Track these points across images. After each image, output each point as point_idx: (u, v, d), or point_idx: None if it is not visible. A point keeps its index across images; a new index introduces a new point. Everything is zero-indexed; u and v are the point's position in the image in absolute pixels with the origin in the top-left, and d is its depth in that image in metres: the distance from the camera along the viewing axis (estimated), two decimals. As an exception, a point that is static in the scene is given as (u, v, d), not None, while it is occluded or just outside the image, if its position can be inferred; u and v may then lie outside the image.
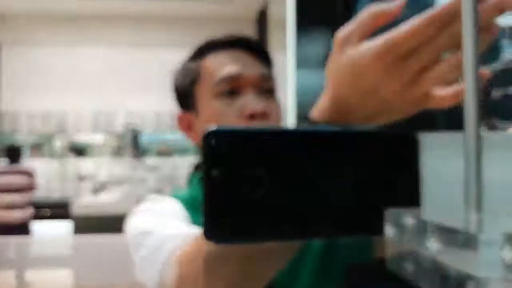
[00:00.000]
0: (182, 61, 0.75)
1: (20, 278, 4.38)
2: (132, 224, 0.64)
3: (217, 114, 0.65)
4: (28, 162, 6.10)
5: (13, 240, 4.08)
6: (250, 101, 0.64)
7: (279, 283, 0.61)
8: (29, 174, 4.51)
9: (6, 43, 6.36)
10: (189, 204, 0.68)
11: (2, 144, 5.42)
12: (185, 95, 0.73)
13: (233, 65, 0.66)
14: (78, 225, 4.05)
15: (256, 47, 0.72)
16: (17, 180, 4.36)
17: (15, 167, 4.44)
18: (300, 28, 1.64)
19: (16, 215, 4.30)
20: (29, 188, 4.48)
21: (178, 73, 0.75)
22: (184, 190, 0.76)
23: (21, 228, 4.34)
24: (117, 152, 6.47)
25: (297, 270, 0.65)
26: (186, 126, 0.74)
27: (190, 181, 0.75)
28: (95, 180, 5.03)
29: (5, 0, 5.74)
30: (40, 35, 6.33)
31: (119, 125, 6.36)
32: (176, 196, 0.71)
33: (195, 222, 0.64)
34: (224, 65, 0.67)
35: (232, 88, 0.65)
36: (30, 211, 4.48)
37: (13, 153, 4.53)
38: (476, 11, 0.30)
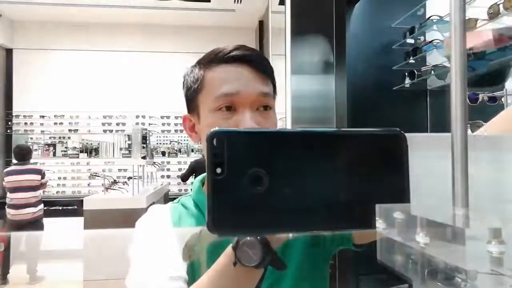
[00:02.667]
0: (193, 65, 0.74)
1: (32, 271, 4.36)
2: (131, 245, 0.69)
3: (214, 127, 0.65)
4: (41, 161, 6.10)
5: (25, 235, 4.06)
6: (245, 119, 0.64)
7: (269, 271, 0.61)
8: (39, 172, 4.43)
9: (17, 48, 6.35)
10: (187, 208, 0.73)
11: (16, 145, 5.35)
12: (191, 100, 0.73)
13: (233, 83, 0.66)
14: (89, 221, 4.03)
15: (260, 64, 0.69)
16: (28, 178, 4.30)
17: (25, 166, 4.38)
18: (296, 36, 1.64)
19: (27, 213, 4.26)
20: (40, 186, 4.41)
21: (188, 76, 0.74)
22: (188, 195, 0.78)
23: (33, 225, 4.30)
24: (127, 151, 6.49)
25: (285, 256, 0.66)
26: (189, 127, 0.75)
27: (196, 187, 0.77)
28: (106, 178, 5.02)
29: (16, 7, 5.73)
30: (50, 41, 6.32)
31: (129, 126, 6.36)
32: (179, 201, 0.77)
33: (197, 222, 0.69)
34: (225, 82, 0.66)
35: (230, 105, 0.65)
36: (41, 208, 4.42)
37: (22, 153, 4.45)
38: (464, 17, 0.30)
